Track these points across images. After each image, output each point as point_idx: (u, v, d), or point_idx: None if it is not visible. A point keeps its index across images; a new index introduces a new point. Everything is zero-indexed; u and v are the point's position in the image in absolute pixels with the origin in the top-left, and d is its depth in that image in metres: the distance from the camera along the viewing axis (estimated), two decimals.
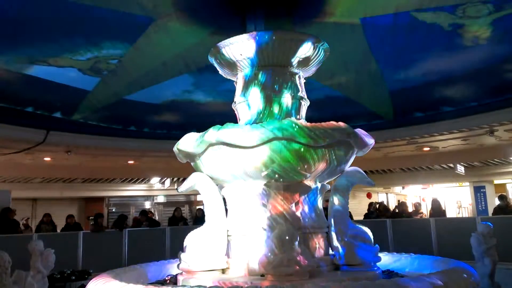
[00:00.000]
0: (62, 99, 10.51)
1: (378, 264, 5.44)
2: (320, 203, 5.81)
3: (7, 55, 8.35)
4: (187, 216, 19.43)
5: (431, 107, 11.88)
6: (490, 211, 15.42)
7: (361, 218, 14.16)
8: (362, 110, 12.03)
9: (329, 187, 5.89)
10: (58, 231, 12.04)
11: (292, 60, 6.09)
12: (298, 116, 6.03)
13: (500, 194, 14.16)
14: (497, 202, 12.58)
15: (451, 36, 8.27)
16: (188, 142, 5.36)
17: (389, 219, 12.11)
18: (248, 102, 6.07)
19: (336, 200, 5.66)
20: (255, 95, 6.00)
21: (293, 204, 4.99)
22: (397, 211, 14.09)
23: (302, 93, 6.20)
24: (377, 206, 14.71)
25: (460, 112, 11.55)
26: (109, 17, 7.27)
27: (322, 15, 7.49)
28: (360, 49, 8.76)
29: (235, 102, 6.31)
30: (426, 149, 14.75)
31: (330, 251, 5.61)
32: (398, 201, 20.70)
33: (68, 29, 7.62)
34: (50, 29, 7.57)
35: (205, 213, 5.59)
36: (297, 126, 4.85)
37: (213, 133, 5.00)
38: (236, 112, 6.36)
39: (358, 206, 19.28)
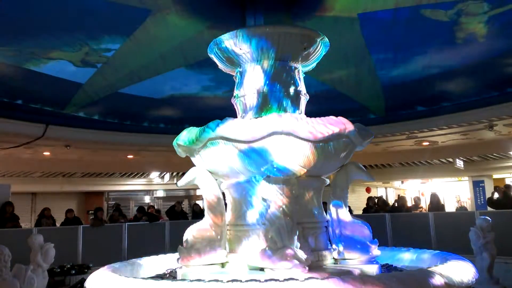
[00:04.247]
0: (60, 93, 10.50)
1: (377, 258, 5.46)
2: (319, 198, 5.82)
3: (6, 49, 8.33)
4: (186, 211, 19.50)
5: (431, 102, 11.88)
6: None
7: (360, 212, 14.19)
8: (361, 104, 12.03)
9: (328, 181, 5.90)
10: (58, 225, 12.06)
11: (292, 54, 6.07)
12: (297, 111, 6.02)
13: (495, 186, 14.25)
14: (496, 196, 12.61)
15: (450, 31, 8.27)
16: (188, 137, 5.36)
17: (388, 214, 12.14)
18: (247, 97, 6.06)
19: (335, 194, 5.67)
20: (255, 90, 5.99)
21: (293, 199, 5.00)
22: (396, 205, 14.12)
23: (302, 87, 6.20)
24: (376, 200, 14.74)
25: (459, 106, 11.55)
26: (107, 9, 7.25)
27: (322, 9, 7.47)
28: (358, 44, 8.75)
29: (234, 97, 6.30)
30: (425, 143, 14.76)
31: (330, 245, 5.63)
32: (398, 195, 20.77)
33: (67, 22, 7.60)
34: (49, 23, 7.55)
35: (205, 208, 5.60)
36: (296, 121, 4.85)
37: (213, 128, 5.00)
38: (235, 107, 6.35)
39: (357, 201, 19.33)
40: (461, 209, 15.53)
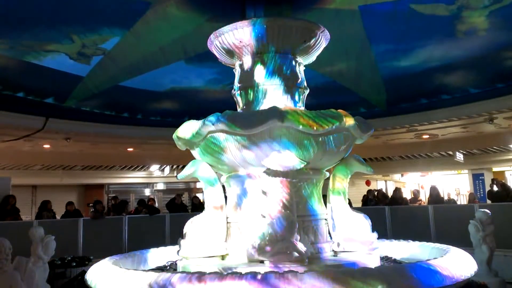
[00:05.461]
0: (61, 86, 10.48)
1: (376, 250, 5.48)
2: (319, 190, 5.83)
3: (6, 41, 8.30)
4: (186, 203, 19.53)
5: (431, 95, 11.86)
6: None
7: (360, 205, 14.20)
8: (361, 97, 12.01)
9: (328, 174, 5.90)
10: (58, 218, 12.07)
11: (292, 47, 6.05)
12: (298, 104, 6.02)
13: (492, 179, 14.24)
14: (495, 188, 12.63)
15: (451, 24, 8.24)
16: (188, 130, 5.36)
17: (388, 206, 12.15)
18: (247, 90, 6.05)
19: (335, 187, 5.68)
20: (255, 83, 5.98)
21: (292, 192, 5.01)
22: (394, 196, 14.08)
23: (302, 80, 6.18)
24: (376, 193, 14.73)
25: (460, 99, 11.53)
26: (107, 2, 7.21)
27: (322, 1, 7.44)
28: (358, 36, 8.72)
29: (234, 89, 6.29)
30: (425, 136, 14.76)
31: (329, 238, 5.65)
32: (396, 188, 20.76)
33: (67, 15, 7.57)
34: (48, 15, 7.52)
35: (205, 200, 5.62)
36: (296, 114, 4.85)
37: (213, 121, 4.99)
38: (236, 100, 6.35)
39: (357, 193, 19.33)
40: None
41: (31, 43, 8.41)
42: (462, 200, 23.36)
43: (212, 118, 5.03)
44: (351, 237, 5.40)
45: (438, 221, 11.14)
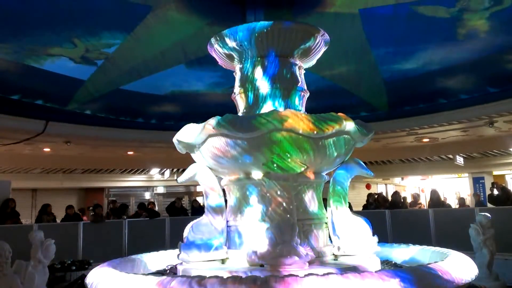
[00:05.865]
0: (62, 89, 10.49)
1: (376, 254, 5.47)
2: (319, 194, 5.82)
3: (5, 46, 8.32)
4: (186, 207, 19.51)
5: (431, 98, 11.86)
6: None
7: (360, 209, 14.18)
8: (361, 101, 12.02)
9: (328, 178, 5.90)
10: (58, 221, 12.06)
11: (293, 50, 6.06)
12: (298, 107, 6.02)
13: (492, 182, 14.22)
14: (495, 192, 12.62)
15: (451, 27, 8.25)
16: (188, 133, 5.36)
17: (388, 210, 12.13)
18: (247, 93, 6.05)
19: (335, 191, 5.67)
20: (255, 86, 5.99)
21: (293, 195, 5.00)
22: (394, 200, 14.05)
23: (302, 84, 6.19)
24: (376, 197, 14.71)
25: (460, 103, 11.53)
26: (108, 5, 7.23)
27: (322, 5, 7.46)
28: (359, 39, 8.74)
29: (234, 93, 6.29)
30: (425, 140, 14.75)
31: (330, 241, 5.64)
32: (395, 191, 20.71)
33: (67, 19, 7.58)
34: (49, 19, 7.54)
35: (205, 204, 5.61)
36: (297, 117, 4.85)
37: (213, 124, 5.00)
38: (236, 103, 6.35)
39: (357, 197, 19.32)
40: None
41: (31, 47, 8.43)
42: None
43: (212, 121, 5.03)
44: (351, 241, 5.39)
45: (438, 225, 11.11)
